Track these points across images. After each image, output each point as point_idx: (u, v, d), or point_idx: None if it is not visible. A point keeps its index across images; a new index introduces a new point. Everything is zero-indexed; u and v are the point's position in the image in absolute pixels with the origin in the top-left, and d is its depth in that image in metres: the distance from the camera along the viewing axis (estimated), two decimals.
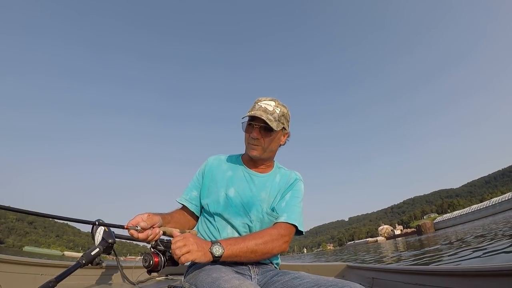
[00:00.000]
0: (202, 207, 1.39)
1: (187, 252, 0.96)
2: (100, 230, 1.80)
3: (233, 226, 1.27)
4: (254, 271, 1.22)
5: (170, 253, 1.02)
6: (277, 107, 1.31)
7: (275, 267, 1.35)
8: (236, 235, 1.26)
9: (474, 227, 22.20)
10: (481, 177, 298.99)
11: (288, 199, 1.33)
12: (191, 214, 1.39)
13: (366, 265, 1.97)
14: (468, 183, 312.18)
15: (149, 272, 1.08)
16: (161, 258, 1.05)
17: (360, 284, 0.88)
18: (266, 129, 1.27)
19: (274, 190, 1.35)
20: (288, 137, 1.43)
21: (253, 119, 1.29)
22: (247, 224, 1.27)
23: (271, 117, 1.26)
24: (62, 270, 1.36)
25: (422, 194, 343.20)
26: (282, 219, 1.25)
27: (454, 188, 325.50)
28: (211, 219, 1.32)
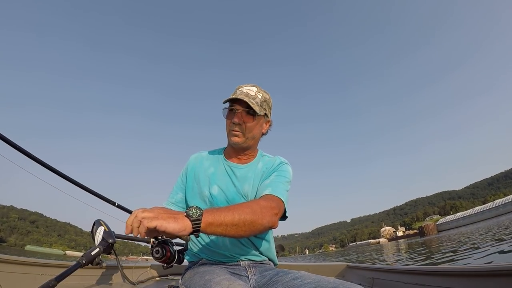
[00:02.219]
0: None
1: (154, 218, 0.80)
2: (100, 230, 1.79)
3: None
4: (251, 271, 1.20)
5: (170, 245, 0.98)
6: (259, 92, 1.27)
7: (273, 266, 1.33)
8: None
9: (477, 229, 22.12)
10: (484, 179, 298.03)
11: (272, 178, 1.25)
12: None
13: (366, 265, 1.96)
14: (470, 185, 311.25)
15: (165, 264, 1.01)
16: (172, 248, 1.00)
17: (361, 284, 0.88)
18: (249, 113, 1.23)
19: (257, 178, 1.30)
20: (270, 125, 1.37)
21: (234, 103, 1.24)
22: None
23: (253, 101, 1.21)
24: (62, 270, 1.36)
25: (425, 196, 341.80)
26: (267, 191, 1.14)
27: (457, 190, 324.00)
28: None
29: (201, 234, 0.88)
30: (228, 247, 1.24)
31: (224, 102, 1.23)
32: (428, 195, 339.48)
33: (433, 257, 7.69)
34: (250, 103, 1.19)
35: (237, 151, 1.34)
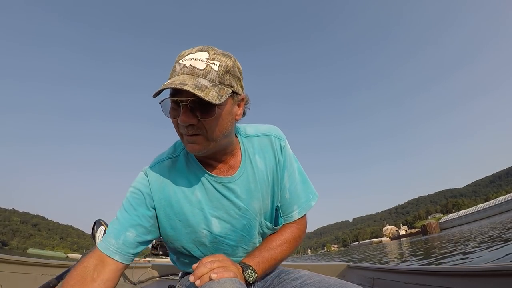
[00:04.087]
0: (169, 247, 0.97)
1: (222, 267, 0.69)
2: (101, 230, 1.79)
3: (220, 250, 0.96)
4: None
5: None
6: (214, 60, 0.74)
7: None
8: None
9: (480, 227, 22.04)
10: (486, 177, 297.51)
11: (289, 184, 0.98)
12: (116, 269, 0.82)
13: (367, 265, 1.96)
14: (472, 182, 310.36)
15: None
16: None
17: (361, 284, 0.88)
18: (201, 104, 0.72)
19: (267, 186, 0.95)
20: (246, 103, 0.88)
21: (175, 93, 0.73)
22: (248, 252, 0.97)
23: (204, 82, 0.71)
24: (62, 270, 1.37)
25: (427, 194, 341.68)
26: (296, 215, 0.99)
27: (459, 188, 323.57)
28: (195, 260, 0.89)
29: (207, 245, 0.90)
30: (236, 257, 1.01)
31: (155, 95, 0.70)
32: (430, 193, 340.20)
33: (436, 257, 7.67)
34: (198, 92, 0.68)
35: (215, 155, 0.88)
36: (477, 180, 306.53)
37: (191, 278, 0.67)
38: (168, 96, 0.74)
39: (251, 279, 0.76)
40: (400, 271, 1.58)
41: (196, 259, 0.91)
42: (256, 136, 0.97)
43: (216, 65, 0.74)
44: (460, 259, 5.67)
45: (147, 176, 0.88)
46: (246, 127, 0.99)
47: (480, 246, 7.05)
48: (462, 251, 7.18)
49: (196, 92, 0.67)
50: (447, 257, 6.69)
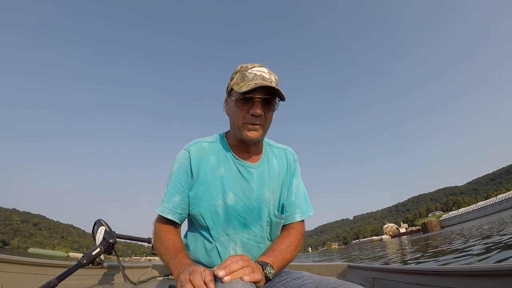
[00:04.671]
0: (190, 216, 1.13)
1: (251, 268, 0.76)
2: (101, 230, 1.79)
3: (237, 241, 1.08)
4: None
5: None
6: (271, 74, 1.05)
7: None
8: (240, 251, 1.07)
9: (481, 224, 22.05)
10: (486, 175, 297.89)
11: (295, 189, 1.18)
12: (177, 226, 1.12)
13: (367, 265, 1.95)
14: (472, 180, 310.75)
15: None
16: None
17: (361, 284, 0.89)
18: (268, 101, 1.03)
19: (277, 183, 1.15)
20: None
21: (251, 91, 0.99)
22: (255, 236, 1.09)
23: (275, 86, 1.01)
24: (63, 270, 1.37)
25: (427, 192, 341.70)
26: (298, 217, 1.15)
27: (459, 185, 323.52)
28: (207, 234, 1.09)
29: (220, 215, 1.05)
30: (244, 238, 1.13)
31: (245, 92, 0.99)
32: (430, 191, 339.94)
33: (436, 255, 7.67)
34: (280, 90, 1.00)
35: (248, 146, 1.13)
36: (477, 178, 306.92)
37: (221, 272, 0.69)
38: (239, 94, 1.01)
39: (270, 275, 0.84)
40: (400, 271, 1.58)
41: (208, 241, 1.08)
42: (276, 147, 1.24)
43: (273, 77, 1.05)
44: (460, 257, 5.68)
45: (188, 152, 1.11)
46: (269, 139, 1.25)
47: (480, 245, 7.05)
48: (462, 249, 7.18)
49: (278, 89, 0.99)
50: (447, 255, 6.70)
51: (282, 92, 1.00)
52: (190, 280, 0.70)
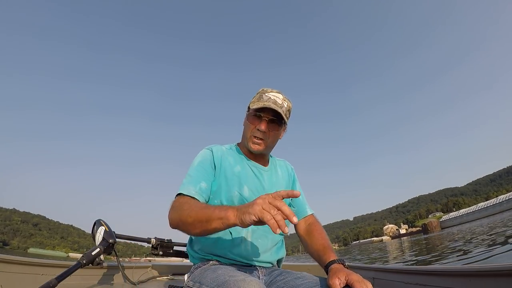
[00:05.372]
0: None
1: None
2: (101, 230, 1.79)
3: (249, 229, 1.18)
4: (262, 271, 1.20)
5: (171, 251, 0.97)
6: (285, 100, 1.26)
7: (278, 267, 1.34)
8: (250, 238, 1.18)
9: (481, 225, 22.02)
10: (486, 176, 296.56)
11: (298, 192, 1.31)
12: None
13: (367, 265, 1.95)
14: (473, 181, 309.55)
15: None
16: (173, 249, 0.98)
17: None
18: (274, 122, 1.22)
19: (280, 185, 1.33)
20: (285, 131, 1.37)
21: (262, 110, 1.21)
22: (264, 225, 1.17)
23: (281, 110, 1.20)
24: (62, 270, 1.36)
25: (427, 193, 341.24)
26: (309, 211, 1.34)
27: (459, 186, 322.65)
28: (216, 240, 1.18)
29: (236, 204, 1.10)
30: (248, 252, 1.19)
31: (256, 109, 1.21)
32: (431, 192, 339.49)
33: (437, 256, 7.66)
34: (282, 114, 1.19)
35: (255, 156, 1.33)
36: (477, 179, 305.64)
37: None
38: (254, 111, 1.22)
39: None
40: (400, 271, 1.57)
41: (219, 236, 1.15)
42: (277, 159, 1.47)
43: (286, 104, 1.25)
44: (460, 258, 5.67)
45: (211, 150, 1.29)
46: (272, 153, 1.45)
47: (481, 245, 7.04)
48: (462, 250, 7.17)
49: (281, 113, 1.19)
50: (447, 255, 6.69)
51: (285, 116, 1.21)
52: (278, 206, 0.76)
